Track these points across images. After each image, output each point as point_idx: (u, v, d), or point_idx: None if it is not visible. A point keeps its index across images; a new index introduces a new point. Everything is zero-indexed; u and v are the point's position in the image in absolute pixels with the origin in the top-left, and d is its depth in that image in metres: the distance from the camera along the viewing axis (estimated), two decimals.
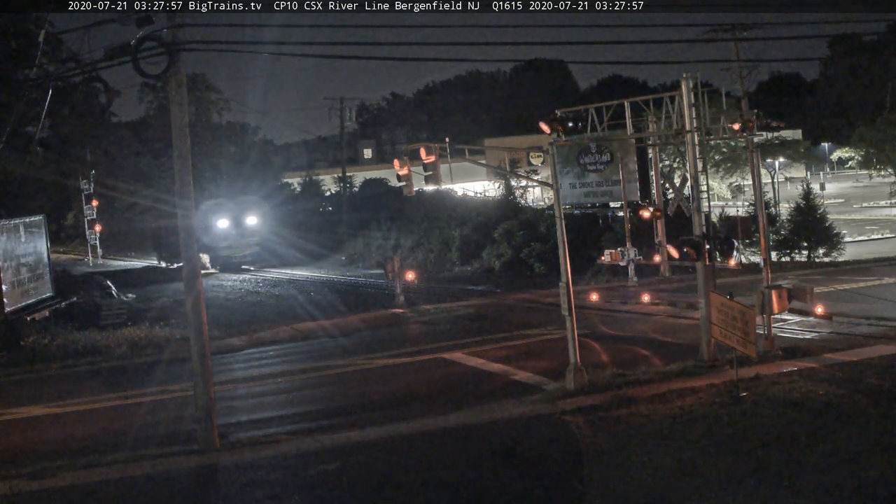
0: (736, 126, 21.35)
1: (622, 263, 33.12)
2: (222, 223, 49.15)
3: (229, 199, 52.26)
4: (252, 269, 51.06)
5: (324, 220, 61.59)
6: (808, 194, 41.05)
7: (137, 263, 59.75)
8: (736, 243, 36.03)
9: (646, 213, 33.61)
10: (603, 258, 33.51)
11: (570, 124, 19.15)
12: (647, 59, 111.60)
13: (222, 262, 50.29)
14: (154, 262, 56.88)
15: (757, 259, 31.76)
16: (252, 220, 51.10)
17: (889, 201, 63.38)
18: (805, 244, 39.77)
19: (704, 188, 20.29)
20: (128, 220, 67.96)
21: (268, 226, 53.09)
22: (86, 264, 59.93)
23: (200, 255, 55.75)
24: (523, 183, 49.41)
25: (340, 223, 57.97)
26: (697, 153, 20.17)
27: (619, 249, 33.14)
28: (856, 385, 16.27)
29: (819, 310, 20.92)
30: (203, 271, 55.47)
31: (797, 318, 23.01)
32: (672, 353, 20.50)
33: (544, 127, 19.43)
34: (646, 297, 28.59)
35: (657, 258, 32.73)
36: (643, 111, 29.52)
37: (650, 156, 35.25)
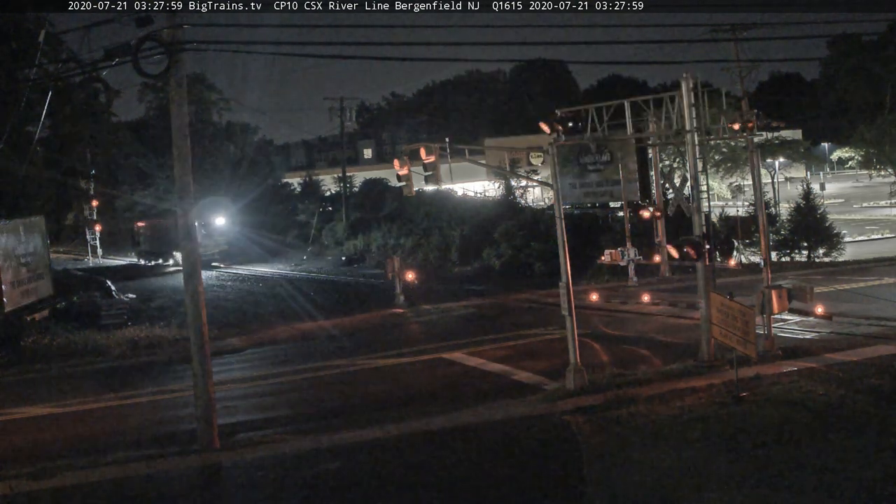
0: (736, 126, 21.34)
1: (622, 263, 33.09)
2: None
3: (198, 200, 53.67)
4: (221, 266, 52.98)
5: (323, 220, 61.69)
6: (808, 194, 41.04)
7: (121, 262, 61.80)
8: (736, 243, 36.09)
9: (646, 213, 33.61)
10: (603, 258, 33.46)
11: (570, 124, 19.14)
12: (647, 59, 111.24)
13: None
14: (133, 260, 59.68)
15: (757, 259, 31.74)
16: (220, 221, 53.24)
17: (889, 201, 63.35)
18: (805, 244, 39.75)
19: (704, 188, 20.29)
20: (128, 220, 68.11)
21: (236, 226, 56.65)
22: (85, 264, 60.54)
23: (174, 253, 58.89)
24: (523, 183, 49.38)
25: (340, 222, 58.04)
26: (697, 153, 20.17)
27: (619, 249, 33.10)
28: (856, 385, 16.26)
29: (819, 310, 20.91)
30: (176, 268, 55.21)
31: (797, 318, 22.99)
32: (672, 353, 20.50)
33: (544, 127, 19.44)
34: (646, 297, 28.58)
35: (657, 258, 32.69)
36: (643, 111, 29.49)
37: (650, 156, 35.24)
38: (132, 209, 66.84)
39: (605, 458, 13.58)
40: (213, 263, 52.39)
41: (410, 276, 33.51)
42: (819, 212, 40.64)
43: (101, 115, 56.11)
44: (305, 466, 14.28)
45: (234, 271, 51.37)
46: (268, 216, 64.58)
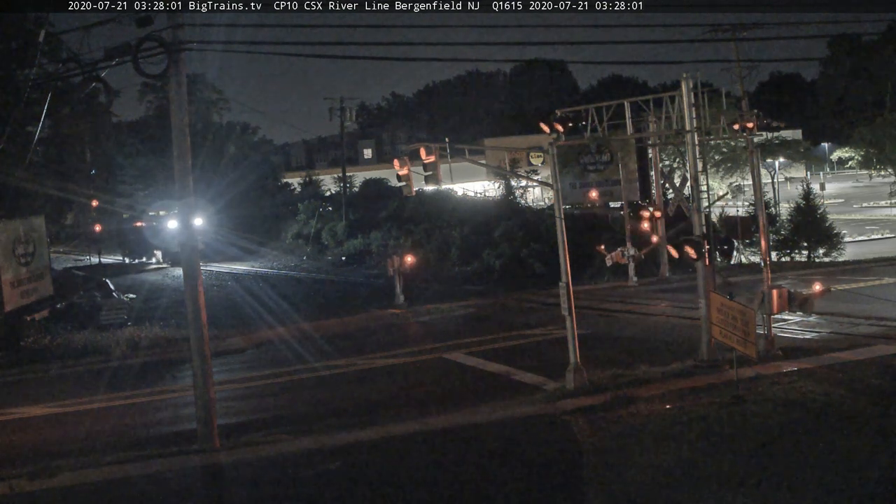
0: (736, 126, 21.34)
1: (624, 262, 33.18)
2: (171, 224, 56.15)
3: (179, 201, 55.72)
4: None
5: (323, 220, 61.78)
6: (807, 194, 41.07)
7: (110, 260, 65.19)
8: (736, 243, 36.10)
9: (646, 213, 33.69)
10: (603, 249, 33.49)
11: (570, 124, 19.14)
12: (647, 59, 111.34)
13: (172, 258, 58.10)
14: (118, 258, 64.84)
15: (757, 259, 31.76)
16: (198, 221, 55.13)
17: (889, 201, 63.39)
18: (805, 244, 39.78)
19: (704, 188, 20.28)
20: (128, 220, 68.49)
21: (212, 226, 59.09)
22: (84, 263, 61.75)
23: (155, 251, 61.85)
24: (523, 183, 49.40)
25: (340, 222, 58.11)
26: (697, 153, 20.16)
27: (619, 249, 33.19)
28: (856, 385, 16.27)
29: (817, 287, 20.78)
30: (157, 265, 59.53)
31: (797, 318, 23.00)
32: (672, 353, 20.49)
33: (544, 127, 19.44)
34: (646, 298, 28.60)
35: (655, 238, 32.72)
36: (643, 111, 29.49)
37: (650, 156, 35.25)
38: (132, 209, 67.04)
39: (605, 458, 13.58)
40: None
41: (409, 259, 33.34)
42: (819, 212, 40.67)
43: (101, 115, 56.17)
44: (306, 466, 14.27)
45: (211, 269, 52.69)
46: (265, 215, 65.19)
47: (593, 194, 32.61)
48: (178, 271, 54.20)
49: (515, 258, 40.18)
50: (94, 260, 63.85)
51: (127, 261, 62.31)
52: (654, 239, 32.94)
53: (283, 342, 27.56)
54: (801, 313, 21.50)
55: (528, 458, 14.06)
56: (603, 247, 33.46)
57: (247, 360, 25.40)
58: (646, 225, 31.56)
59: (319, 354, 24.90)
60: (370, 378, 21.69)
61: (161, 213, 61.29)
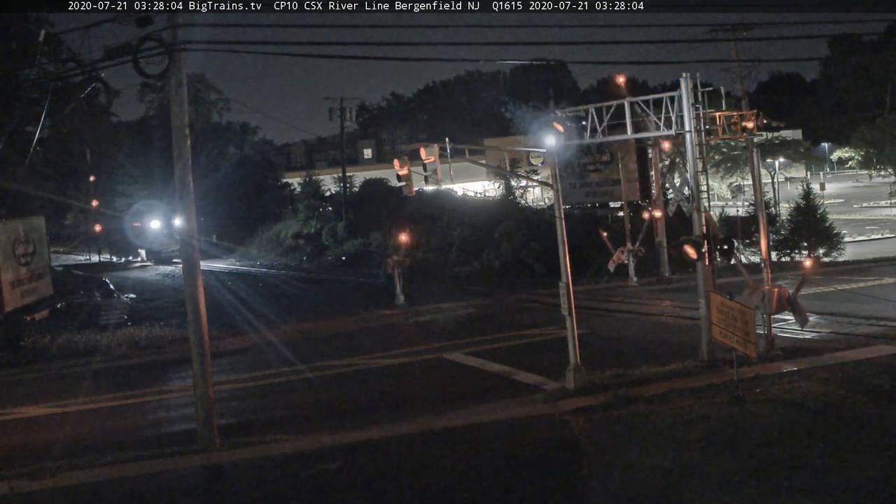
0: (735, 126, 21.35)
1: (625, 261, 33.21)
2: (154, 224, 60.13)
3: (160, 201, 57.60)
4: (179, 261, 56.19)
5: (323, 220, 61.82)
6: (807, 194, 41.03)
7: (101, 259, 68.56)
8: (736, 243, 36.03)
9: (645, 214, 33.70)
10: (606, 236, 33.51)
11: (570, 124, 19.14)
12: (647, 59, 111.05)
13: (155, 256, 62.14)
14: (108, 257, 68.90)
15: (757, 259, 31.73)
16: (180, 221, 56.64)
17: (889, 201, 63.39)
18: (805, 244, 39.73)
19: (704, 188, 20.28)
20: (119, 220, 68.83)
21: (212, 226, 62.28)
22: (81, 262, 62.77)
23: (140, 250, 62.52)
24: (523, 183, 49.38)
25: (340, 222, 58.12)
26: (697, 153, 20.16)
27: (619, 249, 33.21)
28: (856, 385, 16.27)
29: (807, 263, 20.72)
30: (142, 263, 61.41)
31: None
32: (672, 353, 20.49)
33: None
34: (646, 298, 28.59)
35: (651, 211, 32.62)
36: (643, 111, 29.47)
37: (650, 156, 35.28)
38: (131, 209, 67.15)
39: (605, 458, 13.58)
40: (174, 260, 56.06)
41: (404, 237, 33.30)
42: (819, 212, 40.63)
43: (101, 115, 56.13)
44: (306, 466, 14.28)
45: (209, 268, 53.34)
46: (265, 215, 65.52)
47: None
48: (163, 268, 55.48)
49: (515, 258, 40.16)
50: (93, 259, 65.06)
51: (114, 259, 66.35)
52: (657, 214, 32.87)
53: (282, 342, 27.54)
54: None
55: (528, 458, 14.06)
56: (606, 234, 33.48)
57: (246, 360, 25.39)
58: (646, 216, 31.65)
59: (319, 354, 24.91)
60: (370, 378, 21.68)
61: (136, 224, 62.65)
